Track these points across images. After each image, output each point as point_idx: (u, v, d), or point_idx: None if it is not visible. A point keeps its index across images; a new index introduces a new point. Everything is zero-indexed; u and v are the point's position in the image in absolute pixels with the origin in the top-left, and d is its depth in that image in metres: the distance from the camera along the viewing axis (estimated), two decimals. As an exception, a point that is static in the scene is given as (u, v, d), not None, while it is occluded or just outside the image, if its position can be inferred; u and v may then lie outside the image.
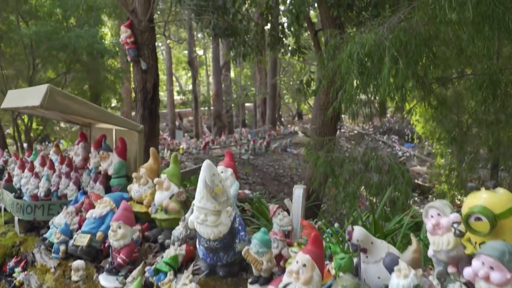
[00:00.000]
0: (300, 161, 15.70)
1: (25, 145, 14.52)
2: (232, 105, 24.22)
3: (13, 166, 4.26)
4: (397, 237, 4.85)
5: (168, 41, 22.29)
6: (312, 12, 12.47)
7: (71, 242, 2.73)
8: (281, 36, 9.58)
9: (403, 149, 21.42)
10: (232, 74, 27.21)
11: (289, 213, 2.59)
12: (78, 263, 2.51)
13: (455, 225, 1.84)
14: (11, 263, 3.05)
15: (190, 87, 30.67)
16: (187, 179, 8.81)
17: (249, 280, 2.11)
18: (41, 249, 2.94)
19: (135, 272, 2.34)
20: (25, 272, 2.90)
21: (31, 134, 13.50)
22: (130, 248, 2.44)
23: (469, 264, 1.67)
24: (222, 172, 2.64)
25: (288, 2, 9.65)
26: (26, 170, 3.61)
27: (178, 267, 2.33)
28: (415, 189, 14.05)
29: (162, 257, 2.40)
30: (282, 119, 29.56)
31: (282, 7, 11.71)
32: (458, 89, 8.26)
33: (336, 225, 6.31)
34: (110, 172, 3.41)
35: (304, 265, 1.70)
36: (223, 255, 2.17)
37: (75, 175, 3.47)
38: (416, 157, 20.49)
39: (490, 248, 1.55)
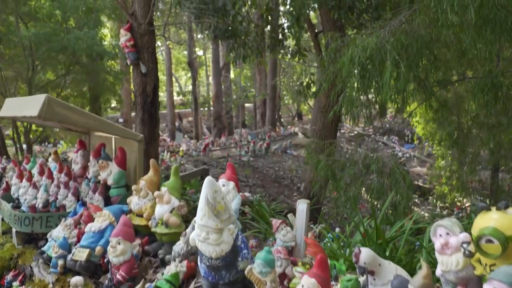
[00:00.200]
0: (300, 162, 15.65)
1: (24, 146, 14.49)
2: (232, 106, 24.18)
3: (11, 174, 4.20)
4: (399, 242, 4.82)
5: (168, 42, 22.26)
6: (311, 13, 12.40)
7: (69, 256, 2.67)
8: (281, 38, 9.54)
9: (403, 150, 21.40)
10: (232, 75, 27.17)
11: (292, 228, 2.53)
12: (77, 279, 2.46)
13: (465, 245, 1.79)
14: (9, 277, 2.99)
15: (190, 87, 30.66)
16: (187, 182, 8.78)
17: (252, 300, 2.06)
18: (39, 263, 2.89)
19: (135, 289, 2.29)
20: (23, 287, 2.84)
21: (31, 136, 13.46)
22: (130, 264, 2.38)
23: (479, 285, 1.62)
24: (223, 185, 2.58)
25: (288, 4, 9.61)
26: (24, 180, 3.56)
27: (179, 284, 2.27)
28: (415, 191, 14.00)
29: (163, 273, 2.35)
30: (282, 120, 29.52)
31: (282, 8, 11.68)
32: (458, 91, 8.21)
33: (337, 229, 6.27)
34: (109, 182, 3.36)
35: (310, 289, 1.65)
36: (225, 273, 2.11)
37: (74, 185, 3.41)
38: (416, 158, 20.46)
39: (503, 274, 1.50)
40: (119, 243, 2.35)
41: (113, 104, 21.82)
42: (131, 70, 7.33)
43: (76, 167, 3.93)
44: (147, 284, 2.32)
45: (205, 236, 2.02)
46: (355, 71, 5.09)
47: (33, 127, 13.97)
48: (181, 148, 13.76)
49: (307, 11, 9.00)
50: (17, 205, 3.60)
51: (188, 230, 2.45)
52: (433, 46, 5.06)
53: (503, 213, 1.70)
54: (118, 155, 3.37)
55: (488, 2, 3.93)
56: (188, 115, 30.70)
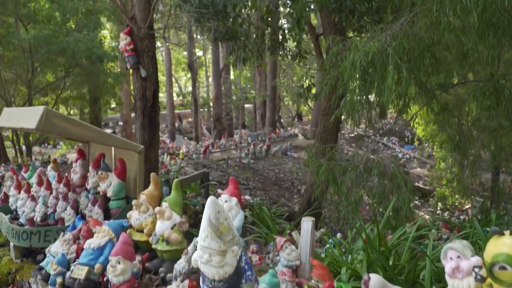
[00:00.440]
0: (300, 164, 15.62)
1: (23, 147, 14.45)
2: (232, 107, 24.15)
3: (9, 184, 4.14)
4: (401, 248, 4.77)
5: (168, 43, 22.24)
6: (311, 15, 12.37)
7: (68, 273, 2.61)
8: (282, 39, 9.49)
9: (403, 151, 21.38)
10: (231, 76, 27.13)
11: (297, 246, 2.47)
12: (76, 298, 2.40)
13: (476, 270, 1.74)
14: (7, 292, 2.94)
15: (190, 88, 30.61)
16: (187, 186, 8.73)
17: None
18: (38, 279, 2.83)
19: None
20: (21, 304, 2.79)
21: (30, 138, 13.42)
22: (130, 284, 2.32)
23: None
24: (226, 201, 2.52)
25: (289, 6, 9.56)
26: (22, 192, 3.50)
27: (181, 305, 2.22)
28: (416, 192, 13.97)
29: (164, 293, 2.29)
30: (282, 121, 29.50)
31: (282, 9, 11.63)
32: (459, 92, 8.17)
33: (338, 235, 6.22)
34: (109, 194, 3.30)
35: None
36: (228, 295, 2.06)
37: (73, 197, 3.36)
38: (416, 159, 20.42)
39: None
40: (119, 263, 2.29)
41: (113, 105, 21.78)
42: (130, 72, 7.29)
43: (75, 177, 3.87)
44: (148, 304, 2.26)
45: (208, 258, 1.96)
46: (357, 75, 5.05)
47: (33, 129, 13.92)
48: (181, 151, 13.71)
49: (308, 14, 8.96)
50: (15, 217, 3.54)
51: (190, 248, 2.39)
52: (434, 49, 5.02)
53: (517, 239, 1.65)
54: (118, 166, 3.32)
55: (491, 6, 3.89)
56: (188, 115, 30.68)
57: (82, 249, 2.71)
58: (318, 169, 6.65)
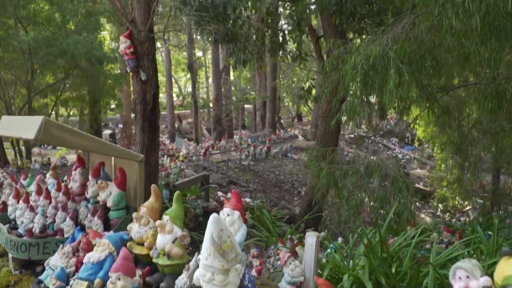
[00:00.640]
0: (300, 166, 15.59)
1: (23, 148, 14.41)
2: (232, 108, 24.12)
3: (8, 192, 4.09)
4: (404, 253, 4.73)
5: (168, 44, 22.21)
6: (312, 17, 12.34)
7: (67, 288, 2.57)
8: (282, 41, 9.46)
9: (403, 152, 21.36)
10: (231, 77, 27.10)
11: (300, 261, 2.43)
12: (76, 314, 2.36)
13: (486, 290, 1.69)
14: (5, 305, 2.90)
15: (189, 89, 30.56)
16: (187, 189, 8.69)
17: None
18: (36, 293, 2.79)
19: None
20: (20, 318, 2.75)
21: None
22: (131, 300, 2.28)
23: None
24: (228, 214, 2.47)
25: (289, 8, 9.53)
26: (21, 201, 3.45)
27: (182, 322, 2.17)
28: (416, 194, 13.95)
29: (165, 309, 2.25)
30: (282, 121, 29.47)
31: (281, 10, 11.58)
32: (459, 94, 8.14)
33: (339, 239, 6.17)
34: (109, 204, 3.26)
35: None
36: (231, 314, 2.01)
37: (72, 207, 3.31)
38: (416, 160, 20.41)
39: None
40: (119, 279, 2.25)
41: (113, 105, 21.75)
42: (130, 74, 7.24)
43: (74, 185, 3.82)
44: (149, 321, 2.22)
45: (210, 277, 1.91)
46: (358, 78, 5.02)
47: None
48: (181, 153, 13.66)
49: (308, 16, 8.92)
50: (14, 226, 3.50)
51: (191, 263, 2.35)
52: (435, 51, 4.99)
53: (528, 261, 1.61)
54: (118, 176, 3.27)
55: (494, 10, 3.86)
56: (188, 116, 30.64)
57: (82, 262, 2.67)
58: (319, 172, 6.62)
